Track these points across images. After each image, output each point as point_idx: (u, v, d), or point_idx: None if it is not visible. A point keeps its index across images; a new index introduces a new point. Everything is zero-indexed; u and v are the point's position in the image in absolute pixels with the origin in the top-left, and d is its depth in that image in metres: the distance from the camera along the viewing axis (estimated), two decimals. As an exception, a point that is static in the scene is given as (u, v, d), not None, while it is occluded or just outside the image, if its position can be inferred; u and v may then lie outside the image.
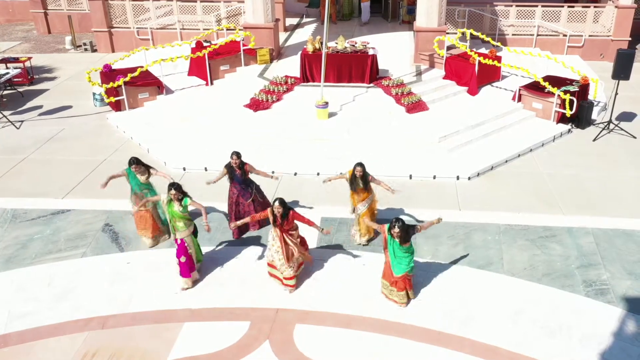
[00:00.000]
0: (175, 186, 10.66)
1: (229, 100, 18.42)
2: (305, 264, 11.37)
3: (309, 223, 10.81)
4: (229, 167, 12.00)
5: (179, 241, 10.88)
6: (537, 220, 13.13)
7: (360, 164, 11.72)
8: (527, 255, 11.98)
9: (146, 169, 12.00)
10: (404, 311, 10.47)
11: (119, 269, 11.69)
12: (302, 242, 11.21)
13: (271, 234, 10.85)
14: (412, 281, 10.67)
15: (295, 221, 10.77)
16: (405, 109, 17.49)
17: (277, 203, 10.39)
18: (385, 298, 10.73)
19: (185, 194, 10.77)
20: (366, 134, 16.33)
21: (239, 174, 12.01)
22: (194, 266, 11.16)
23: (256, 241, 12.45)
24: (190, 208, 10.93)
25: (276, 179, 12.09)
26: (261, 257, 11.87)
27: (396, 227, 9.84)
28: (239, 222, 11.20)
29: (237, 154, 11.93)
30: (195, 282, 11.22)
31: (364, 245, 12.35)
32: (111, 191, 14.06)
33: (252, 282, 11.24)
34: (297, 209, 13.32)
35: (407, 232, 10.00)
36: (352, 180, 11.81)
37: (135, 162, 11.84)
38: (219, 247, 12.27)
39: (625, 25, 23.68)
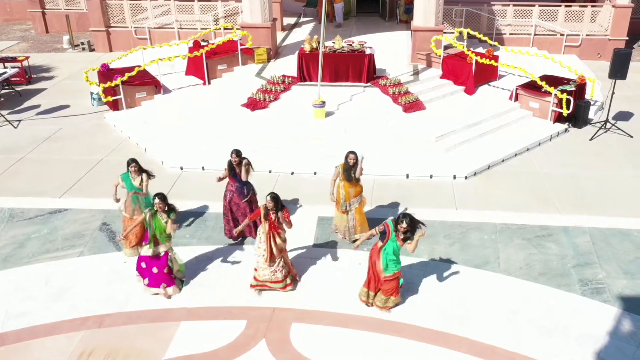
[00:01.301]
0: (159, 196, 10.28)
1: (227, 100, 18.44)
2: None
3: (289, 225, 10.63)
4: (229, 164, 11.98)
5: (162, 253, 10.68)
6: (534, 220, 13.15)
7: (353, 152, 11.67)
8: (523, 254, 12.01)
9: (141, 172, 11.71)
10: (401, 310, 10.48)
11: (116, 268, 11.69)
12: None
13: (258, 235, 10.73)
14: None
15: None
16: (402, 108, 17.52)
17: (268, 197, 10.27)
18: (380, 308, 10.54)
19: (170, 208, 10.42)
20: (363, 133, 16.35)
21: (239, 172, 11.98)
22: (171, 280, 10.93)
23: (253, 241, 12.41)
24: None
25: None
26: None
27: (404, 222, 9.67)
28: (239, 228, 11.18)
29: (237, 152, 11.90)
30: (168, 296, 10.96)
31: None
32: (109, 190, 14.11)
33: (249, 281, 11.23)
34: (295, 207, 13.42)
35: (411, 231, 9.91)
36: (347, 169, 11.68)
37: (133, 161, 11.67)
38: (216, 247, 12.27)
39: (623, 25, 23.73)
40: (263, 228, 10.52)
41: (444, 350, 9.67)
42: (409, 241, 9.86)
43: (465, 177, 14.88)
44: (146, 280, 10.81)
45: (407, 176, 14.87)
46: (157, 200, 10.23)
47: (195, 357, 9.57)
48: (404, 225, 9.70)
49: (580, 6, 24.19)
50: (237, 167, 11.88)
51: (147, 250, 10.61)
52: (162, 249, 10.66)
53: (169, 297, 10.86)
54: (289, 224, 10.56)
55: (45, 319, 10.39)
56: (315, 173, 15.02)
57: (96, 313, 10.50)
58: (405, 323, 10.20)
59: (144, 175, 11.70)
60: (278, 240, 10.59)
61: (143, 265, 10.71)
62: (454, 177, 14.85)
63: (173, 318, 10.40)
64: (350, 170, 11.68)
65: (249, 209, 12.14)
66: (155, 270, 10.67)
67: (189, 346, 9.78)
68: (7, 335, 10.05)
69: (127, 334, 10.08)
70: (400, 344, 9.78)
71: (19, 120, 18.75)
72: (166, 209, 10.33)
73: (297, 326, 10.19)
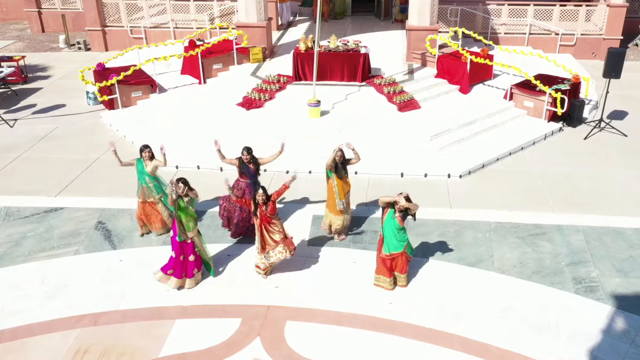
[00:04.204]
0: (182, 180, 10.59)
1: (222, 99, 18.46)
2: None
3: (284, 188, 10.89)
4: (240, 161, 12.08)
5: (188, 241, 10.83)
6: (528, 218, 13.20)
7: (341, 149, 11.87)
8: (517, 252, 12.05)
9: (152, 159, 12.29)
10: (395, 308, 10.53)
11: (111, 266, 11.73)
12: (288, 242, 11.19)
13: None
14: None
15: (278, 212, 10.91)
16: (397, 107, 17.56)
17: (260, 191, 10.50)
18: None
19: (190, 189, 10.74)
20: (358, 132, 16.35)
21: (252, 169, 12.10)
22: (200, 265, 11.16)
23: (248, 239, 12.45)
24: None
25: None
26: (253, 255, 11.91)
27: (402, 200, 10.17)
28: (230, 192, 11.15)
29: (248, 150, 12.03)
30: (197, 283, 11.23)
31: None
32: (105, 189, 14.20)
33: (244, 279, 11.29)
34: (289, 206, 13.46)
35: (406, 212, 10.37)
36: (336, 168, 11.85)
37: (147, 147, 12.32)
38: (212, 245, 12.26)
39: (617, 24, 23.81)
40: (256, 222, 10.74)
41: (437, 347, 9.72)
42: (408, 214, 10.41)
43: (460, 176, 14.93)
44: (170, 271, 10.98)
45: (402, 175, 14.91)
46: (180, 184, 10.49)
47: (190, 355, 9.61)
48: (402, 203, 10.17)
49: (575, 5, 24.26)
50: (250, 163, 11.96)
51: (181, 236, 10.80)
52: (190, 235, 10.77)
53: (180, 288, 11.03)
54: (282, 189, 10.90)
55: (41, 317, 10.42)
56: (310, 172, 15.04)
57: (91, 311, 10.54)
58: (398, 321, 10.25)
59: (156, 161, 12.26)
60: (272, 229, 10.76)
61: (173, 254, 10.88)
62: (449, 175, 14.90)
63: (168, 316, 10.43)
64: (339, 167, 11.85)
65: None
66: (192, 258, 10.86)
67: (184, 344, 9.82)
68: (3, 334, 10.07)
69: (122, 332, 10.11)
70: (394, 341, 9.83)
71: (15, 120, 18.77)
72: (187, 193, 10.60)
73: (292, 324, 10.23)
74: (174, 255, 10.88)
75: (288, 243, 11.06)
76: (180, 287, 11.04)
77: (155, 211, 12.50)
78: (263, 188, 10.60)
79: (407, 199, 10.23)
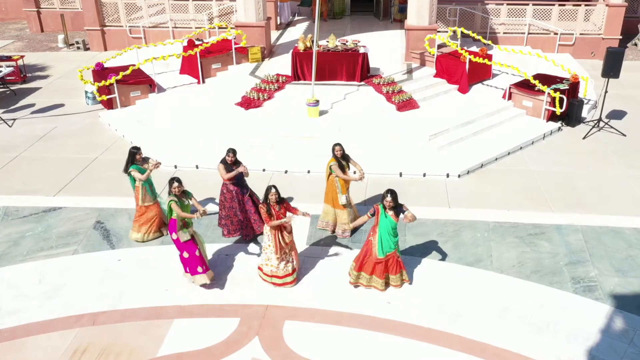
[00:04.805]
0: (177, 180, 10.49)
1: (221, 99, 18.46)
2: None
3: (294, 211, 10.75)
4: (224, 162, 11.95)
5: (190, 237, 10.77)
6: (526, 218, 13.20)
7: (339, 144, 11.97)
8: (515, 252, 12.05)
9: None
10: (394, 308, 10.53)
11: (109, 266, 11.72)
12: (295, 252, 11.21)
13: (265, 233, 10.82)
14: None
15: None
16: (396, 107, 17.55)
17: (273, 190, 10.35)
18: (364, 287, 11.00)
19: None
20: (357, 132, 16.37)
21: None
22: (205, 261, 11.10)
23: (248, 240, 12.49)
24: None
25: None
26: (251, 254, 11.95)
27: (388, 196, 10.08)
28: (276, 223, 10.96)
29: (233, 151, 11.88)
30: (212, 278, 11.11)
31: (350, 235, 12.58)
32: (103, 189, 14.20)
33: (242, 278, 11.29)
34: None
35: (398, 205, 10.26)
36: (339, 163, 11.89)
37: (139, 148, 12.21)
38: (209, 245, 12.25)
39: (616, 24, 23.81)
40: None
41: (435, 347, 9.71)
42: (403, 214, 10.24)
43: (459, 176, 14.93)
44: (189, 273, 10.99)
45: (401, 174, 14.91)
46: (175, 184, 10.43)
47: (188, 355, 9.61)
48: (389, 199, 10.10)
49: (574, 5, 24.25)
50: (234, 165, 11.90)
51: (183, 236, 10.64)
52: (190, 231, 10.73)
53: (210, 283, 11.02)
54: (291, 208, 10.71)
55: (40, 316, 10.42)
56: (308, 172, 15.05)
57: (90, 311, 10.54)
58: (397, 320, 10.25)
59: (151, 162, 12.06)
60: (285, 232, 10.70)
61: (186, 255, 10.76)
62: (447, 175, 14.90)
63: (166, 315, 10.43)
64: (341, 162, 11.89)
65: (252, 205, 12.21)
66: (197, 253, 10.76)
67: (182, 343, 9.81)
68: (2, 333, 10.07)
69: (120, 331, 10.11)
70: (392, 341, 9.82)
71: (14, 119, 18.75)
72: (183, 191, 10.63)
73: (290, 324, 10.23)
74: (185, 256, 10.79)
75: (295, 253, 11.13)
76: (210, 278, 11.02)
77: (157, 211, 12.47)
78: (275, 187, 10.44)
79: (395, 200, 10.19)
